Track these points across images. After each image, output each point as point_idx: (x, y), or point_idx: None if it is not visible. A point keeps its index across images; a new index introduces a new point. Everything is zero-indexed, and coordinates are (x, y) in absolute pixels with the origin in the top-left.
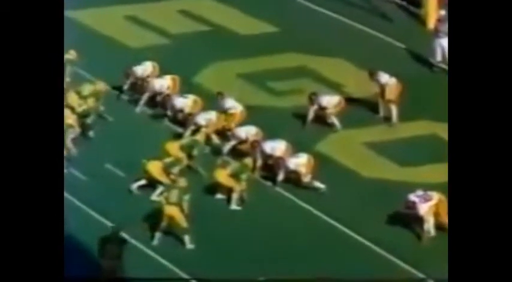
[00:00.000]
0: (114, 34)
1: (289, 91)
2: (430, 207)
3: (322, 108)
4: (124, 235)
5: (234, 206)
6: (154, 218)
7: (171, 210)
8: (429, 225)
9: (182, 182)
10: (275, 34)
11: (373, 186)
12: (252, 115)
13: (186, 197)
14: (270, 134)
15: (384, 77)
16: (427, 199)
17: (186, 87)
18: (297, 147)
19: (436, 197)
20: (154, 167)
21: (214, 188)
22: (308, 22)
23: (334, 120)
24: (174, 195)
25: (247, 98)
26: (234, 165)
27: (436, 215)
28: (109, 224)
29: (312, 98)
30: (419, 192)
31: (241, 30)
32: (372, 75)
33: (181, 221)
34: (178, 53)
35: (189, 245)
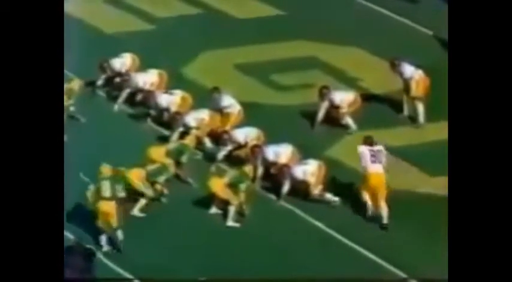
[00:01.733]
0: (86, 17)
1: (296, 86)
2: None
3: (334, 107)
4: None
5: (231, 223)
6: None
7: None
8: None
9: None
10: (280, 18)
11: (399, 200)
12: (252, 114)
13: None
14: (274, 137)
15: (409, 69)
16: None
17: (174, 81)
18: (305, 153)
19: None
20: (136, 176)
21: (207, 200)
22: (319, 4)
23: (349, 121)
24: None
25: (246, 94)
26: (231, 173)
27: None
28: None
29: (324, 92)
30: None
31: (238, 13)
32: (394, 66)
33: None
34: (164, 40)
35: None
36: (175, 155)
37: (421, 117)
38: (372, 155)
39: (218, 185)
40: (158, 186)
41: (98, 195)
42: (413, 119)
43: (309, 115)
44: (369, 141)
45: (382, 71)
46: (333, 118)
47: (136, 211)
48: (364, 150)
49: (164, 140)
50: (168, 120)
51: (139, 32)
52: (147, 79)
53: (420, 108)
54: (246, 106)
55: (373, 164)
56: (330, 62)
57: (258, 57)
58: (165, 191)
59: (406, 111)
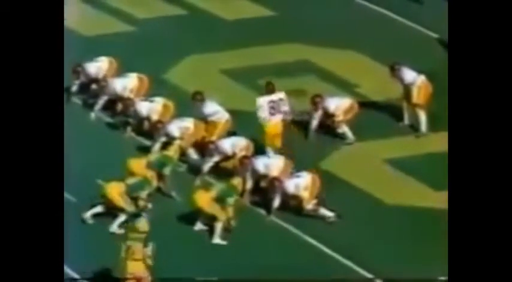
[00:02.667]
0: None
1: (288, 92)
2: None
3: (329, 115)
4: None
5: (217, 240)
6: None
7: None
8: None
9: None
10: (271, 19)
11: (399, 217)
12: (241, 123)
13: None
14: (264, 147)
15: (410, 75)
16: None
17: (156, 87)
18: (298, 165)
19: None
20: (114, 190)
21: (192, 216)
22: (313, 4)
23: (346, 130)
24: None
25: (234, 101)
26: (218, 187)
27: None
28: None
29: (316, 101)
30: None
31: (226, 14)
32: (394, 71)
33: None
34: (145, 43)
35: None
36: (158, 167)
37: (423, 126)
38: (271, 107)
39: (204, 200)
40: (141, 202)
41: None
42: (414, 128)
43: (303, 124)
44: (270, 88)
45: (381, 77)
46: (328, 127)
47: (115, 227)
48: (262, 103)
49: (145, 150)
50: (149, 130)
51: (120, 33)
52: (126, 84)
53: (422, 116)
54: (234, 114)
55: (272, 116)
56: (324, 67)
57: (246, 61)
58: (149, 206)
59: (406, 120)
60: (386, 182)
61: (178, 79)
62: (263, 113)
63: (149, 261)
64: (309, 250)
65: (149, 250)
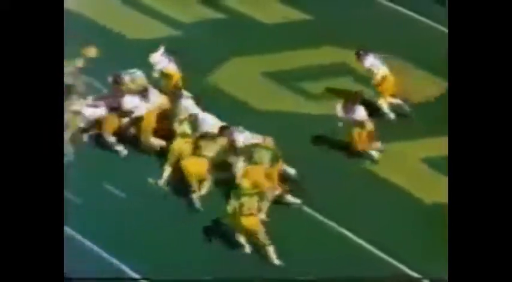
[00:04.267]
0: (108, 22)
1: (325, 94)
2: None
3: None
4: None
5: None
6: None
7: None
8: None
9: None
10: (307, 23)
11: (437, 215)
12: (281, 125)
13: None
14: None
15: (371, 61)
16: None
17: (199, 88)
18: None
19: None
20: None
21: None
22: (347, 8)
23: (384, 107)
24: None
25: (273, 103)
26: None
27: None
28: None
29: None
30: None
31: (264, 18)
32: (359, 56)
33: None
34: (189, 46)
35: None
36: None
37: (390, 115)
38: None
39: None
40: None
41: (240, 211)
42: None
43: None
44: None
45: (418, 78)
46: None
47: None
48: None
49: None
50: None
51: (165, 38)
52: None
53: (383, 104)
54: (274, 115)
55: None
56: (360, 69)
57: (285, 64)
58: None
59: (385, 109)
60: (424, 180)
61: (221, 82)
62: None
63: (261, 215)
64: (348, 246)
65: (262, 204)
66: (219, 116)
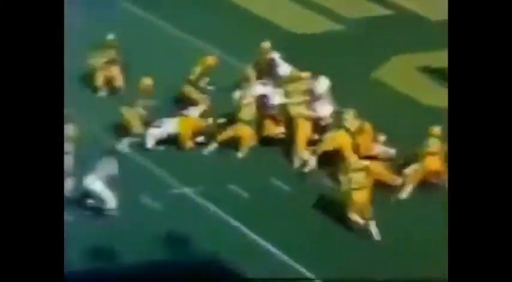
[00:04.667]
0: (269, 16)
1: None
2: None
3: None
4: None
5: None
6: None
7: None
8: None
9: None
10: None
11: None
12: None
13: None
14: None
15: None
16: None
17: (365, 85)
18: None
19: None
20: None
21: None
22: None
23: None
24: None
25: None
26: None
27: None
28: None
29: None
30: None
31: (431, 14)
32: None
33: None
34: (353, 42)
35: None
36: None
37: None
38: None
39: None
40: None
41: (349, 186)
42: None
43: None
44: None
45: None
46: None
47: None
48: None
49: None
50: None
51: (328, 32)
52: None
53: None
54: (428, 110)
55: None
56: None
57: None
58: None
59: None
60: None
61: (386, 78)
62: None
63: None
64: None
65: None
66: None
